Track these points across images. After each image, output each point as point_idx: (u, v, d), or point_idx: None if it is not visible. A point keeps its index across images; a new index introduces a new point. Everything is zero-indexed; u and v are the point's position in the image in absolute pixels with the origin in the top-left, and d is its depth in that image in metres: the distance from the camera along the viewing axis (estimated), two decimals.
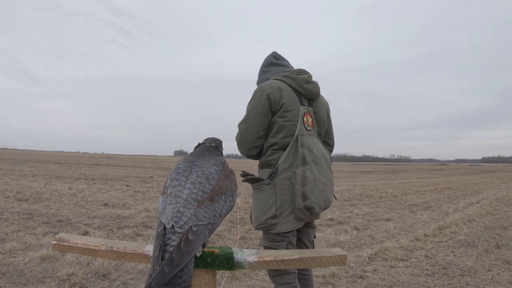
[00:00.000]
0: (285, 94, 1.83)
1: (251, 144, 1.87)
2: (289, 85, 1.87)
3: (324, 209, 1.89)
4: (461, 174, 29.86)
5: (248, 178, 1.89)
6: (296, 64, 2.10)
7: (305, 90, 1.88)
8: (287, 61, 2.07)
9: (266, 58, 2.09)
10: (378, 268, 3.49)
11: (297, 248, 1.94)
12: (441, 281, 3.24)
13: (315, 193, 1.79)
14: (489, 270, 3.53)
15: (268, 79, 1.97)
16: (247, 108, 1.88)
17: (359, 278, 3.25)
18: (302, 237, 2.00)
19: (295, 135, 1.82)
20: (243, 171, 1.93)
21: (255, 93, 1.86)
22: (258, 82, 2.06)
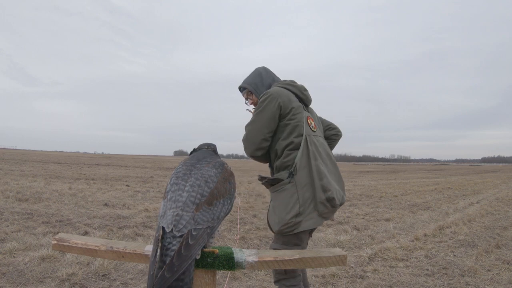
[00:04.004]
0: (293, 99, 2.03)
1: (256, 145, 1.98)
2: (292, 92, 2.07)
3: (340, 204, 1.98)
4: (461, 174, 29.86)
5: (266, 181, 1.96)
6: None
7: (305, 96, 2.11)
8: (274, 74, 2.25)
9: (257, 71, 2.19)
10: (378, 268, 3.49)
11: None
12: (441, 281, 3.24)
13: (332, 185, 1.91)
14: (489, 270, 3.53)
15: (270, 86, 2.12)
16: (256, 111, 1.98)
17: (359, 278, 3.25)
18: None
19: (304, 135, 1.96)
20: (260, 175, 2.03)
21: (267, 98, 1.95)
22: (256, 89, 2.14)
